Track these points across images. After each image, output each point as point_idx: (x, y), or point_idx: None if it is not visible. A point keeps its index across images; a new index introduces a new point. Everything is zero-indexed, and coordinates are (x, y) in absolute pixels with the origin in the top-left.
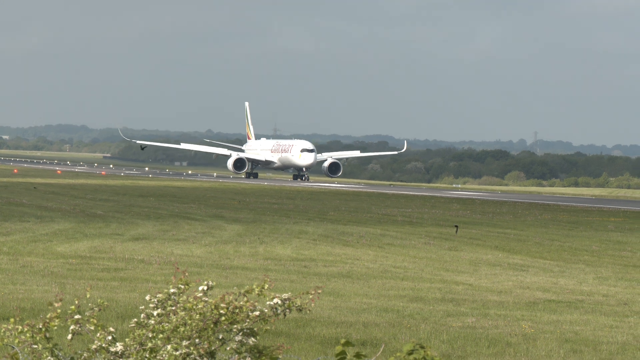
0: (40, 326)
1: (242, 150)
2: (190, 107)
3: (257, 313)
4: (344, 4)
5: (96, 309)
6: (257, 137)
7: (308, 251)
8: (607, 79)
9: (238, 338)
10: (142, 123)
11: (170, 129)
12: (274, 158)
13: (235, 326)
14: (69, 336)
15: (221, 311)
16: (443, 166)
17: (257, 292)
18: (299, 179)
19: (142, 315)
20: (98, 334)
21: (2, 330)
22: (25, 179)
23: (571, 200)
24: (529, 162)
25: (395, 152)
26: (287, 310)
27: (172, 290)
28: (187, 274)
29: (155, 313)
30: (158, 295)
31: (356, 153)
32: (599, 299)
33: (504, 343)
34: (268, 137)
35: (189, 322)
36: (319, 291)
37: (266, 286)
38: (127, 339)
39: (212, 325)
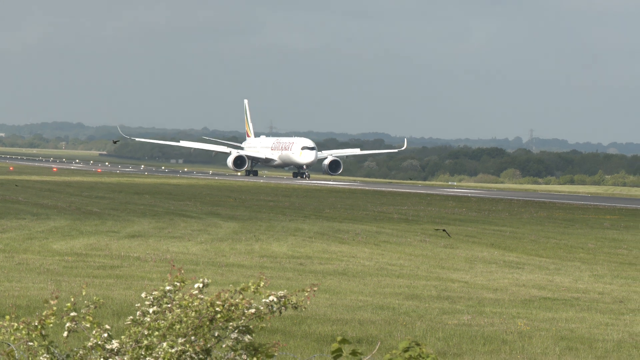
0: (36, 323)
1: (242, 148)
2: (186, 104)
3: (252, 310)
4: (339, 0)
5: (92, 306)
6: (256, 134)
7: (304, 249)
8: (603, 76)
9: (234, 335)
10: (138, 121)
11: (166, 126)
12: (274, 156)
13: (231, 324)
14: (65, 333)
15: (217, 309)
16: (439, 164)
17: (252, 289)
18: (298, 177)
19: (138, 313)
20: (94, 332)
21: None
22: (21, 176)
23: (567, 197)
24: (525, 160)
25: (396, 150)
26: (283, 307)
27: (167, 288)
28: (182, 271)
29: (151, 310)
30: (154, 293)
31: (356, 151)
32: (594, 296)
33: (500, 340)
34: (267, 135)
35: (185, 319)
36: (315, 289)
37: (262, 284)
38: (122, 337)
39: (207, 323)
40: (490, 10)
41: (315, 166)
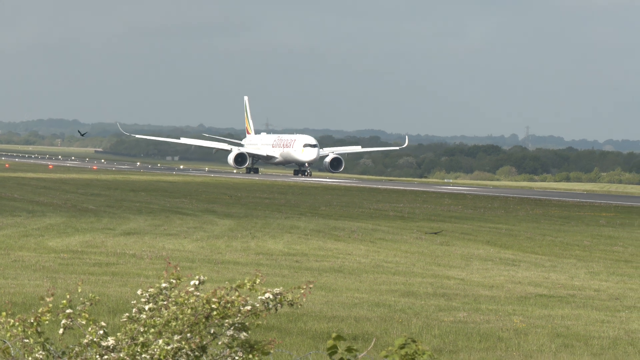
0: (32, 320)
1: (241, 145)
2: (182, 101)
3: (248, 308)
4: None
5: (88, 303)
6: (255, 132)
7: (300, 246)
8: (599, 74)
9: (229, 332)
10: (133, 118)
11: (162, 123)
12: (276, 153)
13: (226, 321)
14: (61, 330)
15: (213, 306)
16: (435, 161)
17: (248, 286)
18: (299, 174)
19: (134, 310)
20: (89, 329)
21: None
22: (17, 173)
23: (563, 195)
24: (521, 157)
25: (397, 148)
26: (279, 304)
27: (163, 285)
28: (178, 268)
29: (146, 307)
30: (150, 290)
31: (357, 148)
32: (590, 293)
33: (496, 338)
34: (268, 132)
35: (181, 316)
36: (311, 286)
37: (258, 281)
38: (118, 334)
39: (203, 320)
40: (486, 8)
41: (316, 164)
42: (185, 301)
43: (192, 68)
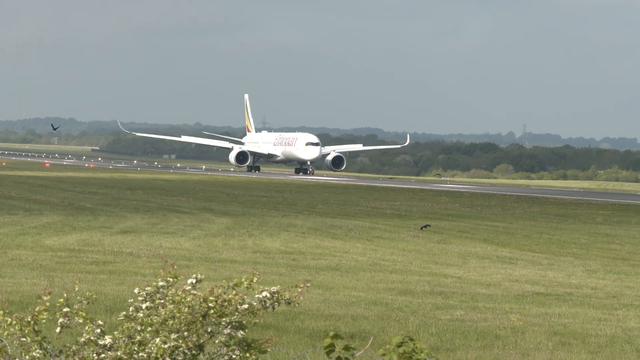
0: (29, 319)
1: (242, 143)
2: (179, 100)
3: (245, 306)
4: None
5: (85, 302)
6: (257, 130)
7: (297, 244)
8: (596, 72)
9: (227, 331)
10: (130, 116)
11: (158, 122)
12: (277, 151)
13: (224, 319)
14: (58, 329)
15: (210, 304)
16: (432, 159)
17: (245, 285)
18: (301, 173)
19: (131, 309)
20: (87, 327)
21: None
22: (14, 172)
23: (560, 193)
24: (518, 155)
25: (399, 146)
26: (276, 303)
27: (160, 284)
28: (175, 267)
29: (144, 306)
30: (147, 289)
31: (359, 147)
32: (587, 291)
33: (493, 336)
34: (269, 130)
35: (178, 315)
36: (308, 284)
37: (255, 279)
38: (115, 332)
39: (200, 319)
40: (482, 7)
41: (318, 162)
42: (183, 300)
43: (189, 66)
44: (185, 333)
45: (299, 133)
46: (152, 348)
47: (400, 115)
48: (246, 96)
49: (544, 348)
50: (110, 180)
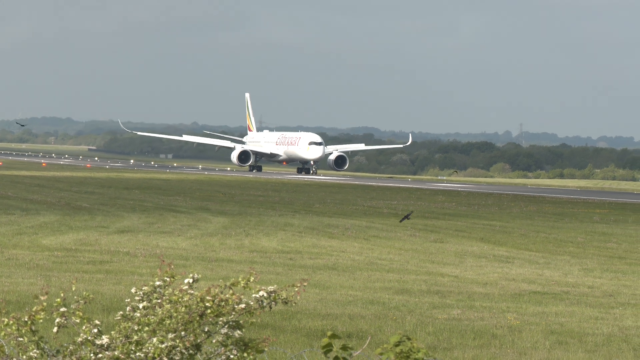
0: (26, 319)
1: (243, 143)
2: (175, 99)
3: (242, 306)
4: None
5: (82, 301)
6: (257, 129)
7: (294, 243)
8: (592, 70)
9: (224, 331)
10: (127, 115)
11: (155, 121)
12: (280, 151)
13: (221, 319)
14: (55, 329)
15: (207, 304)
16: (428, 158)
17: (242, 284)
18: (303, 172)
19: (128, 308)
20: (84, 327)
21: None
22: (11, 171)
23: (556, 192)
24: (515, 154)
25: (401, 145)
26: (273, 302)
27: (157, 283)
28: (172, 266)
29: (141, 306)
30: (144, 288)
31: (361, 146)
32: (584, 290)
33: (490, 335)
34: (271, 130)
35: (175, 314)
36: (305, 284)
37: (252, 279)
38: (112, 332)
39: (197, 318)
40: (479, 5)
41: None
42: (180, 299)
43: (185, 66)
44: (183, 333)
45: (302, 132)
46: (150, 348)
47: (396, 114)
48: (247, 95)
49: (541, 347)
50: (107, 179)
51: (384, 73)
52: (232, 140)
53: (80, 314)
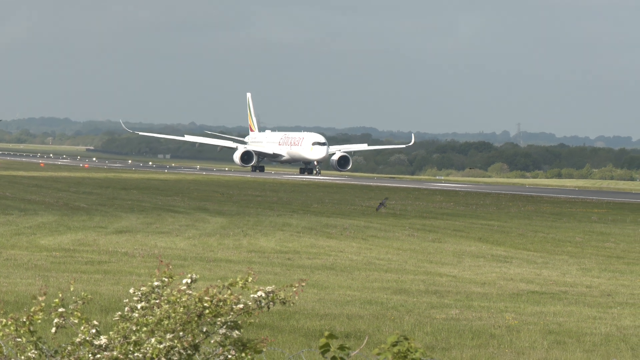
0: (24, 319)
1: (245, 143)
2: (173, 99)
3: (241, 306)
4: None
5: (80, 302)
6: (259, 129)
7: (292, 243)
8: (590, 70)
9: (222, 331)
10: (124, 116)
11: (153, 121)
12: (282, 151)
13: (219, 319)
14: (53, 329)
15: (205, 304)
16: (426, 158)
17: (241, 284)
18: (306, 173)
19: (126, 309)
20: (82, 327)
21: None
22: (8, 172)
23: (554, 191)
24: (512, 154)
25: (404, 146)
26: (271, 302)
27: (156, 283)
28: (170, 266)
29: (139, 306)
30: (142, 288)
31: (364, 146)
32: (582, 290)
33: (488, 335)
34: (273, 130)
35: (173, 315)
36: (303, 284)
37: (250, 279)
38: (111, 332)
39: (195, 318)
40: (477, 4)
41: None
42: (178, 300)
43: (184, 66)
44: (181, 333)
45: (305, 132)
46: (148, 348)
47: (394, 114)
48: (248, 95)
49: (539, 347)
50: (105, 180)
51: (382, 73)
52: (234, 141)
53: (79, 314)
